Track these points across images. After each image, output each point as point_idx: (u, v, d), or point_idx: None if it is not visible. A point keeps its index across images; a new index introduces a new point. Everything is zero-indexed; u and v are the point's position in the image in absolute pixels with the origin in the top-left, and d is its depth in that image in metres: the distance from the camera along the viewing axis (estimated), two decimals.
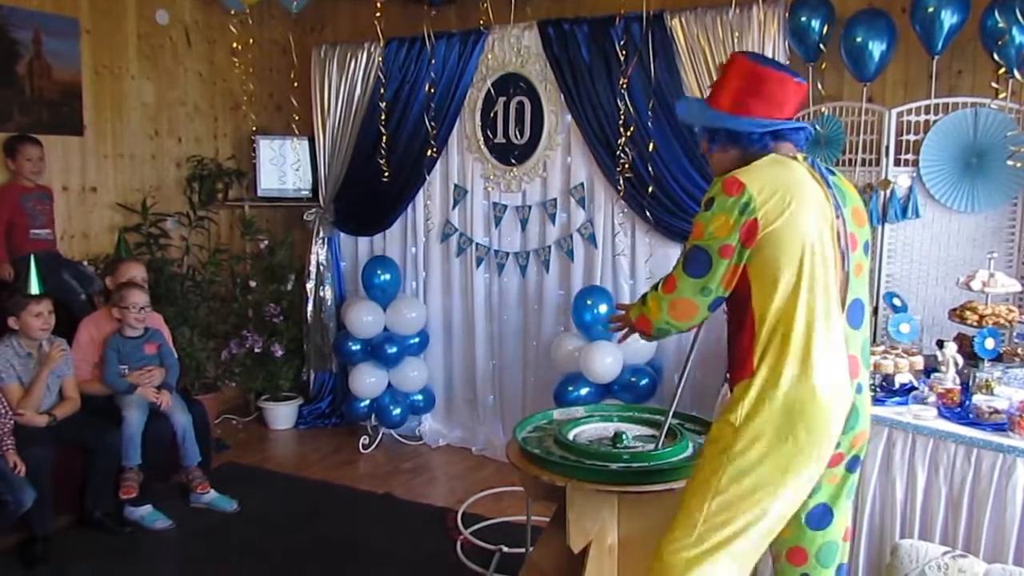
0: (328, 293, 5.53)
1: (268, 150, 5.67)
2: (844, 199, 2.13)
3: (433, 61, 4.96)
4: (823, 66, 4.14)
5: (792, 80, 2.14)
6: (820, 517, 2.15)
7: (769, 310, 2.02)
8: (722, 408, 2.13)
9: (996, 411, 2.82)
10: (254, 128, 5.83)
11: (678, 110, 2.36)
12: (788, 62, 4.11)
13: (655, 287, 2.19)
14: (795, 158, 2.11)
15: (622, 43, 4.37)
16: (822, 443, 2.00)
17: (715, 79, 2.27)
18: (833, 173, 2.18)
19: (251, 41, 5.80)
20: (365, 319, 5.08)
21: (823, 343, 2.00)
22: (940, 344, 3.26)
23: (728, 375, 2.18)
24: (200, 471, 4.21)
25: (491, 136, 4.95)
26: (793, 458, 1.99)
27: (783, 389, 1.99)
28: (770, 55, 4.02)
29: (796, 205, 2.00)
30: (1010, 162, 3.62)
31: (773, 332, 2.02)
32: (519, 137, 4.86)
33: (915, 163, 3.86)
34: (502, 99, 4.88)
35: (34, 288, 3.90)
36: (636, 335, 2.40)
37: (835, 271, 2.04)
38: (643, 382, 4.38)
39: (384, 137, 5.15)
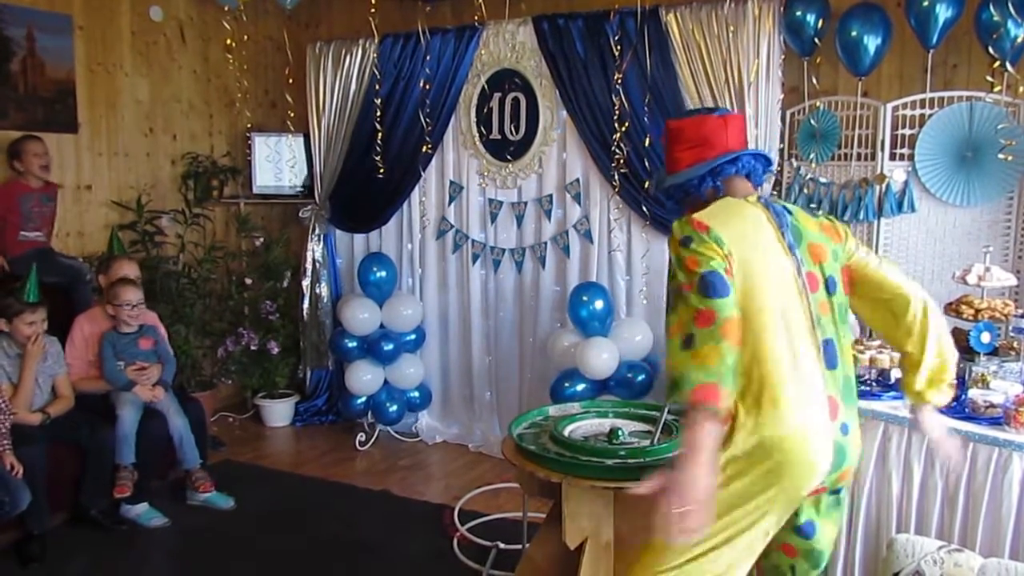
0: (324, 290, 5.53)
1: (263, 147, 5.66)
2: (799, 237, 2.10)
3: (428, 57, 4.95)
4: (818, 60, 4.13)
5: (709, 118, 2.21)
6: (806, 529, 2.17)
7: (744, 353, 1.97)
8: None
9: (992, 405, 2.82)
10: (249, 125, 5.82)
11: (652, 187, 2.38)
12: (783, 56, 4.11)
13: (686, 338, 1.90)
14: (747, 199, 2.13)
15: (617, 38, 4.36)
16: (802, 483, 1.99)
17: None
18: (790, 212, 2.14)
19: (245, 38, 5.79)
20: (361, 316, 5.08)
21: (797, 385, 1.98)
22: None
23: None
24: (203, 472, 4.20)
25: (486, 132, 4.94)
26: (774, 497, 1.98)
27: (763, 432, 1.96)
28: (765, 50, 4.04)
29: (755, 244, 2.02)
30: (1001, 155, 3.62)
31: (749, 375, 1.98)
32: (514, 133, 4.86)
33: (911, 157, 3.85)
34: (497, 95, 4.87)
35: (31, 296, 3.88)
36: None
37: (803, 312, 2.03)
38: (639, 378, 4.38)
39: (379, 134, 5.14)
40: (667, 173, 2.28)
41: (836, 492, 2.15)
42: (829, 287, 2.11)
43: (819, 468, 1.99)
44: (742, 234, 2.02)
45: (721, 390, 1.83)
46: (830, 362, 2.06)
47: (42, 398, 3.92)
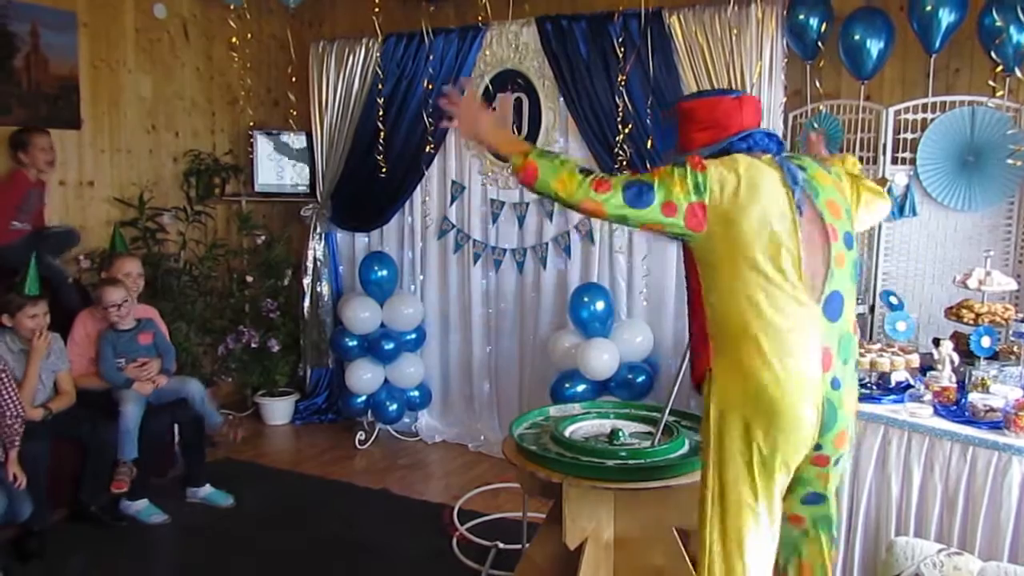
0: (325, 289, 5.53)
1: (265, 145, 5.66)
2: (817, 192, 2.12)
3: (431, 57, 4.96)
4: (821, 64, 4.14)
5: (724, 99, 2.21)
6: (815, 498, 2.23)
7: (721, 301, 2.06)
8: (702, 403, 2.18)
9: (992, 409, 2.83)
10: (251, 123, 5.82)
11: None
12: (786, 60, 4.12)
13: (586, 172, 2.10)
14: (761, 158, 2.13)
15: (620, 40, 4.36)
16: (796, 436, 2.03)
17: None
18: (804, 169, 2.16)
19: (249, 36, 5.80)
20: (362, 315, 5.08)
21: (787, 340, 2.01)
22: (936, 342, 3.27)
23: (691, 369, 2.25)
24: (227, 425, 4.40)
25: None
26: (757, 450, 2.03)
27: (743, 386, 2.02)
28: (767, 53, 4.04)
29: (750, 195, 2.03)
30: (1010, 160, 3.62)
31: (726, 328, 2.05)
32: (517, 134, 4.85)
33: (912, 161, 3.86)
34: (500, 95, 4.87)
35: (32, 289, 3.88)
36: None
37: (797, 268, 2.03)
38: (640, 379, 4.38)
39: (382, 133, 5.14)
40: (678, 153, 2.26)
41: (836, 464, 2.18)
42: (847, 241, 2.14)
43: (807, 419, 2.02)
44: (739, 187, 2.04)
45: (537, 182, 2.09)
46: (833, 313, 2.08)
47: (44, 394, 3.91)
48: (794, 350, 2.01)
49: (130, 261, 4.37)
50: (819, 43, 4.05)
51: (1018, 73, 3.63)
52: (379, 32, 5.10)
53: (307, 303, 5.52)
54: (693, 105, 2.26)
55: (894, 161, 3.91)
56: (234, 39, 5.67)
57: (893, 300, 3.63)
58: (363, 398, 5.16)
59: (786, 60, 4.14)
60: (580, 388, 4.42)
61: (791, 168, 2.12)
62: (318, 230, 5.48)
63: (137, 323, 4.20)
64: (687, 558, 2.76)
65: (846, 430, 2.12)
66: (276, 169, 5.68)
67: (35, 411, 3.79)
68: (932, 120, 3.82)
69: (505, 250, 4.99)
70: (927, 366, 3.24)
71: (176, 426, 4.28)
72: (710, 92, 2.37)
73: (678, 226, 2.05)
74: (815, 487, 2.19)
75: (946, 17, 3.72)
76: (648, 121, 4.34)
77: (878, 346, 3.37)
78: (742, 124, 2.18)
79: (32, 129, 4.38)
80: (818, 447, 2.08)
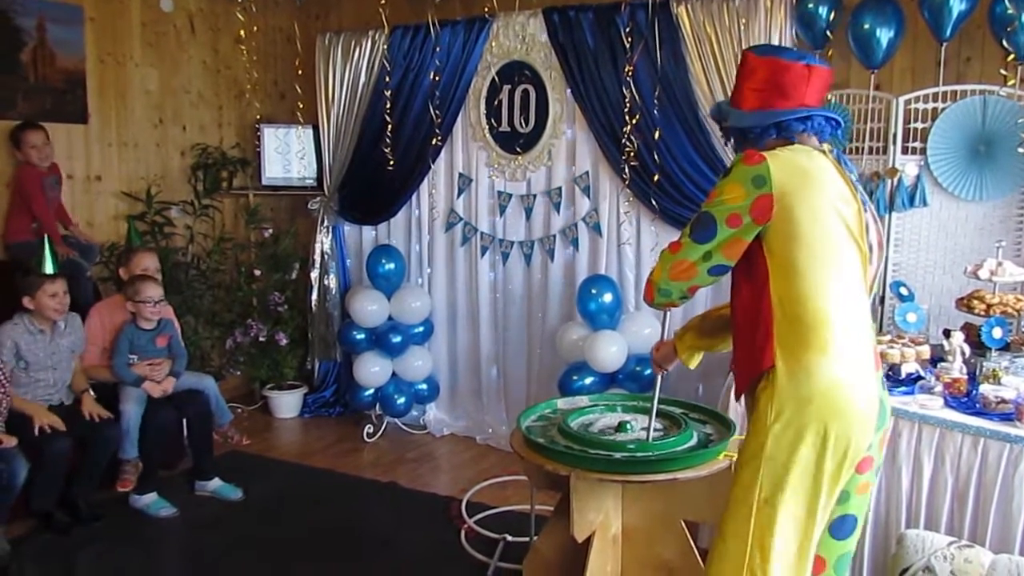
0: (332, 282, 5.53)
1: (273, 138, 5.66)
2: (866, 195, 2.09)
3: (438, 49, 4.94)
4: (830, 53, 4.10)
5: (795, 65, 2.02)
6: (846, 527, 2.06)
7: (791, 296, 1.92)
8: (750, 405, 2.02)
9: (1003, 401, 2.81)
10: (258, 116, 5.82)
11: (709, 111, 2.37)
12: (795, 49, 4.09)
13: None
14: (820, 151, 2.03)
15: (627, 30, 4.34)
16: (856, 437, 1.90)
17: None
18: (853, 171, 2.09)
19: (255, 29, 5.79)
20: (369, 308, 5.08)
21: (853, 335, 1.92)
22: (947, 333, 3.24)
23: (734, 368, 2.10)
24: (233, 428, 4.48)
25: (496, 124, 4.93)
26: (827, 454, 1.88)
27: (814, 383, 1.87)
28: (776, 42, 4.00)
29: (815, 189, 1.93)
30: (1021, 149, 3.59)
31: (796, 320, 1.91)
32: (524, 125, 4.84)
33: (923, 151, 3.83)
34: (507, 87, 4.86)
35: (49, 268, 3.88)
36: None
37: (864, 263, 1.98)
38: (648, 371, 4.36)
39: (389, 126, 5.13)
40: (730, 106, 2.13)
41: (876, 474, 2.10)
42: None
43: (870, 421, 1.92)
44: (804, 176, 1.94)
45: (654, 290, 2.12)
46: (873, 315, 2.09)
47: (67, 372, 3.95)
48: (862, 347, 1.94)
49: (148, 256, 4.36)
50: (828, 32, 4.02)
51: None
52: (386, 24, 5.09)
53: (315, 296, 5.53)
54: (759, 63, 2.05)
55: (904, 151, 3.87)
56: (241, 32, 5.67)
57: (903, 291, 3.61)
58: (371, 391, 5.17)
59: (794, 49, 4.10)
60: (588, 380, 4.41)
61: (848, 165, 2.05)
62: (325, 223, 5.48)
63: (158, 324, 4.20)
64: (695, 551, 2.76)
65: (889, 427, 2.05)
66: (283, 162, 5.68)
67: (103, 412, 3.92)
68: (943, 109, 3.78)
69: (512, 242, 4.98)
70: (938, 357, 3.22)
71: (185, 420, 4.28)
72: (784, 51, 2.15)
73: (750, 227, 1.95)
74: (849, 506, 2.02)
75: (957, 5, 3.68)
76: (656, 112, 4.31)
77: (888, 337, 3.35)
78: (803, 99, 2.02)
79: (25, 125, 4.37)
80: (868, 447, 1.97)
